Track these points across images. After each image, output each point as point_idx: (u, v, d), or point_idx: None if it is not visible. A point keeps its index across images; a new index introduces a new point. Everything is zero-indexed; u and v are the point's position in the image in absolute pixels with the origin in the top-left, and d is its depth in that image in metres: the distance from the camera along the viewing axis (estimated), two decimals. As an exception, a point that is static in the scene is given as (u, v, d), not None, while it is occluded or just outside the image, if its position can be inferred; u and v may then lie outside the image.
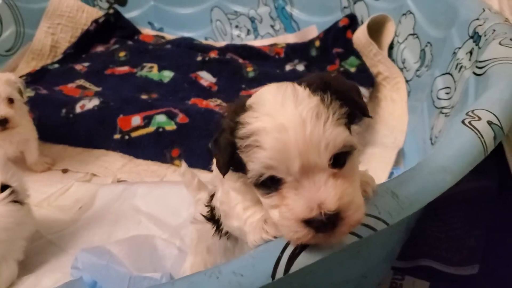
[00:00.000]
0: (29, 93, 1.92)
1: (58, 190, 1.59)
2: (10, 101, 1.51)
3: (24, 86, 1.61)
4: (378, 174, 1.55)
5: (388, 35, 1.99)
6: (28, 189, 1.30)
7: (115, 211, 1.46)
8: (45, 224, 1.44)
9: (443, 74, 1.56)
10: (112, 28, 2.54)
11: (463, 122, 0.90)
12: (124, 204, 1.47)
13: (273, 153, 0.62)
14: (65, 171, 1.71)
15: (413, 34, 1.85)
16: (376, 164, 1.60)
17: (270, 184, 0.65)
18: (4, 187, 1.19)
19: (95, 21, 2.51)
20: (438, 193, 0.77)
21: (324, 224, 0.60)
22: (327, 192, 0.61)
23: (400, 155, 1.67)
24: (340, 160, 0.64)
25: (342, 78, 0.75)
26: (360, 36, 1.99)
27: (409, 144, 1.71)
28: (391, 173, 1.56)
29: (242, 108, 0.69)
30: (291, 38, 2.39)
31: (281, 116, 0.63)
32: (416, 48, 1.82)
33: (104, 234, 1.37)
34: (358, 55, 2.01)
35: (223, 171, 0.72)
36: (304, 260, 0.64)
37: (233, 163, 0.70)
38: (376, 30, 2.02)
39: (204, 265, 1.02)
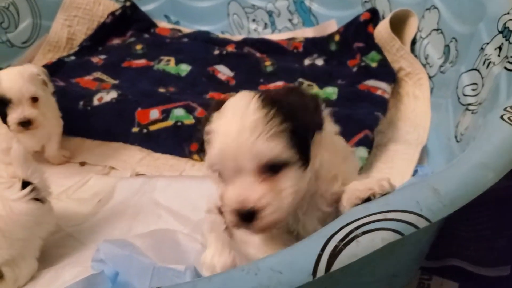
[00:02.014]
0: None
1: (77, 183, 1.57)
2: (34, 100, 1.46)
3: (48, 75, 1.59)
4: (402, 171, 1.52)
5: (410, 30, 1.95)
6: (50, 186, 1.27)
7: (135, 204, 1.44)
8: (64, 217, 1.43)
9: (470, 70, 1.52)
10: (129, 21, 2.52)
11: (501, 117, 0.87)
12: (143, 198, 1.45)
13: (217, 152, 0.76)
14: (82, 164, 1.70)
15: (437, 30, 1.81)
16: (400, 161, 1.57)
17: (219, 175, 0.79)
18: (25, 184, 1.15)
19: (112, 13, 2.49)
20: (480, 191, 0.74)
21: (244, 216, 0.74)
22: (248, 192, 0.75)
23: (424, 152, 1.63)
24: (275, 168, 0.76)
25: (297, 95, 0.83)
26: (382, 31, 1.95)
27: (432, 141, 1.68)
28: (415, 171, 1.52)
29: (218, 107, 0.82)
30: (309, 32, 2.36)
31: (229, 123, 0.76)
32: (440, 43, 1.78)
33: (124, 227, 1.36)
34: (379, 50, 1.97)
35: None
36: (346, 258, 0.62)
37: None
38: (397, 24, 1.98)
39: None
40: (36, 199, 1.17)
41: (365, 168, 1.53)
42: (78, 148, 1.78)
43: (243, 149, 0.74)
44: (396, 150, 1.63)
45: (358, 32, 2.06)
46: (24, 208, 1.14)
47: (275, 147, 0.74)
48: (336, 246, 0.62)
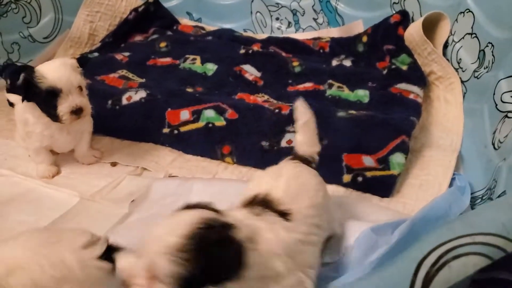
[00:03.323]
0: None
1: (110, 183, 1.55)
2: (80, 88, 1.46)
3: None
4: (439, 179, 1.51)
5: (442, 34, 1.94)
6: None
7: (170, 206, 1.42)
8: (99, 218, 1.41)
9: (509, 76, 1.51)
10: (151, 17, 2.49)
11: None
12: (179, 200, 1.43)
13: None
14: (114, 164, 1.68)
15: (471, 34, 1.79)
16: (436, 167, 1.56)
17: None
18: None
19: (135, 9, 2.46)
20: None
21: None
22: None
23: (458, 159, 1.62)
24: None
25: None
26: (413, 34, 1.93)
27: (467, 148, 1.67)
28: (453, 179, 1.51)
29: None
30: (335, 32, 2.33)
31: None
32: (474, 48, 1.77)
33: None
34: (409, 53, 1.95)
35: None
36: (439, 284, 0.61)
37: None
38: (429, 27, 1.96)
39: None
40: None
41: (401, 175, 1.52)
42: (108, 148, 1.76)
43: None
44: (431, 156, 1.62)
45: (388, 34, 2.04)
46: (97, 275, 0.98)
47: None
48: (428, 272, 0.61)
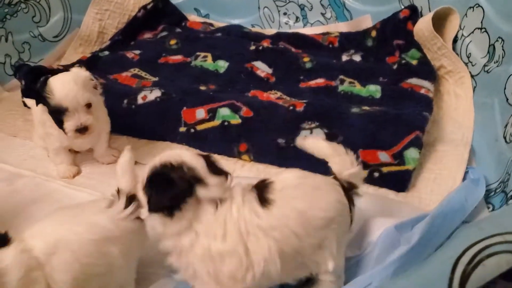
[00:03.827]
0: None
1: (131, 183, 1.59)
2: (88, 106, 1.46)
3: (95, 77, 1.59)
4: (453, 173, 1.54)
5: (452, 28, 1.96)
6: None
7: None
8: None
9: (520, 71, 1.54)
10: (160, 14, 2.51)
11: None
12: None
13: None
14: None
15: (480, 28, 1.82)
16: (450, 162, 1.59)
17: None
18: (131, 198, 1.08)
19: (143, 7, 2.47)
20: None
21: None
22: None
23: (470, 152, 1.66)
24: None
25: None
26: (422, 29, 1.96)
27: (478, 141, 1.70)
28: (466, 172, 1.55)
29: None
30: (343, 27, 2.36)
31: None
32: (484, 42, 1.79)
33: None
34: (419, 48, 1.98)
35: None
36: (475, 282, 0.64)
37: None
38: (438, 22, 1.98)
39: None
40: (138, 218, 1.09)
41: (416, 169, 1.55)
42: (124, 146, 1.78)
43: None
44: (444, 150, 1.65)
45: (397, 28, 2.06)
46: (130, 228, 1.07)
47: None
48: (464, 270, 0.65)
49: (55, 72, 2.04)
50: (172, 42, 2.31)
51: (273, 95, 1.91)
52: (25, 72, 2.01)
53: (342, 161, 1.11)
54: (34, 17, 2.38)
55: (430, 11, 2.01)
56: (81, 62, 2.21)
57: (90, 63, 2.20)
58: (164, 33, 2.43)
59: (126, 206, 1.08)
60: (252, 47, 2.20)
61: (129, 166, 1.11)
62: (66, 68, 1.85)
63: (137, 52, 2.26)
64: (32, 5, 2.36)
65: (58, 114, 1.44)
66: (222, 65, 2.11)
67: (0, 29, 2.26)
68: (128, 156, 1.10)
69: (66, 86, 1.42)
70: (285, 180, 1.06)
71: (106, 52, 2.31)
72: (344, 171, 1.10)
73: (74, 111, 1.43)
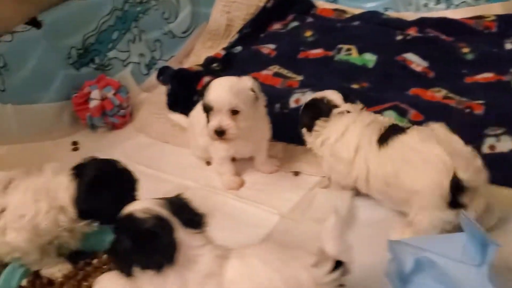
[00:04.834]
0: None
1: (303, 198, 1.51)
2: (234, 112, 1.43)
3: (259, 89, 1.52)
4: None
5: None
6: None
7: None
8: (306, 239, 1.36)
9: None
10: (287, 3, 2.38)
11: None
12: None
13: None
14: (296, 173, 1.64)
15: None
16: None
17: None
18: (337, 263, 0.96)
19: (272, -4, 2.35)
20: None
21: None
22: None
23: None
24: None
25: None
26: None
27: None
28: None
29: None
30: (498, 9, 2.11)
31: None
32: None
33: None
34: None
35: None
36: None
37: None
38: None
39: None
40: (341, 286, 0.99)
41: None
42: (283, 155, 1.71)
43: None
44: None
45: None
46: None
47: None
48: None
49: (198, 74, 2.02)
50: (308, 33, 2.18)
51: (437, 94, 1.74)
52: (170, 75, 1.98)
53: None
54: (164, 14, 2.34)
55: None
56: (216, 60, 2.15)
57: (226, 61, 2.14)
58: (295, 23, 2.30)
59: (331, 271, 0.98)
60: (399, 37, 2.03)
61: (336, 230, 1.00)
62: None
63: (272, 46, 2.16)
64: (161, 2, 2.31)
65: (207, 112, 1.45)
66: (370, 58, 1.96)
67: (134, 28, 2.25)
68: (335, 220, 1.00)
69: (218, 89, 1.44)
70: None
71: (239, 48, 2.23)
72: None
73: (218, 113, 1.43)
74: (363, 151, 1.32)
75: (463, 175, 1.10)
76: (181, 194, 1.06)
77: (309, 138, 1.46)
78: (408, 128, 1.28)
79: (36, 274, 1.29)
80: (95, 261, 1.31)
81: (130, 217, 0.97)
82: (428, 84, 1.80)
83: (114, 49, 2.19)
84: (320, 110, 1.42)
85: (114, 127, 2.05)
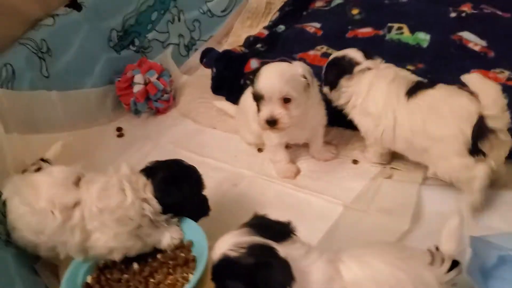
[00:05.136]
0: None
1: (367, 188, 1.46)
2: (286, 100, 1.37)
3: (311, 74, 1.45)
4: None
5: None
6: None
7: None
8: (375, 232, 1.33)
9: None
10: (330, -22, 2.28)
11: None
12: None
13: None
14: (355, 162, 1.59)
15: None
16: None
17: None
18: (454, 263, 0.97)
19: (315, -28, 2.25)
20: None
21: None
22: None
23: None
24: None
25: None
26: None
27: None
28: None
29: None
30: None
31: None
32: None
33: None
34: None
35: None
36: None
37: None
38: None
39: None
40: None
41: None
42: (339, 141, 1.66)
43: None
44: None
45: None
46: None
47: None
48: None
49: (244, 56, 1.95)
50: (355, 11, 2.09)
51: (500, 75, 1.66)
52: (215, 58, 1.92)
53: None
54: (202, -8, 2.26)
55: None
56: (260, 40, 2.08)
57: (270, 41, 2.06)
58: (339, 1, 2.20)
59: (449, 270, 0.96)
60: (453, 14, 1.93)
61: (457, 232, 0.98)
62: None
63: (317, 25, 2.07)
64: (199, -21, 2.24)
65: (258, 101, 1.40)
66: (424, 37, 1.86)
67: (173, 8, 2.18)
68: (458, 221, 0.97)
69: (269, 76, 1.38)
70: None
71: (282, 27, 2.15)
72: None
73: (269, 101, 1.37)
74: (391, 103, 1.37)
75: (488, 111, 1.16)
76: (255, 214, 1.01)
77: (334, 95, 1.50)
78: (435, 84, 1.35)
79: (101, 271, 1.27)
80: (159, 255, 1.28)
81: (227, 260, 0.88)
82: (489, 65, 1.71)
83: (154, 31, 2.12)
84: (343, 68, 1.46)
85: (157, 112, 2.00)
